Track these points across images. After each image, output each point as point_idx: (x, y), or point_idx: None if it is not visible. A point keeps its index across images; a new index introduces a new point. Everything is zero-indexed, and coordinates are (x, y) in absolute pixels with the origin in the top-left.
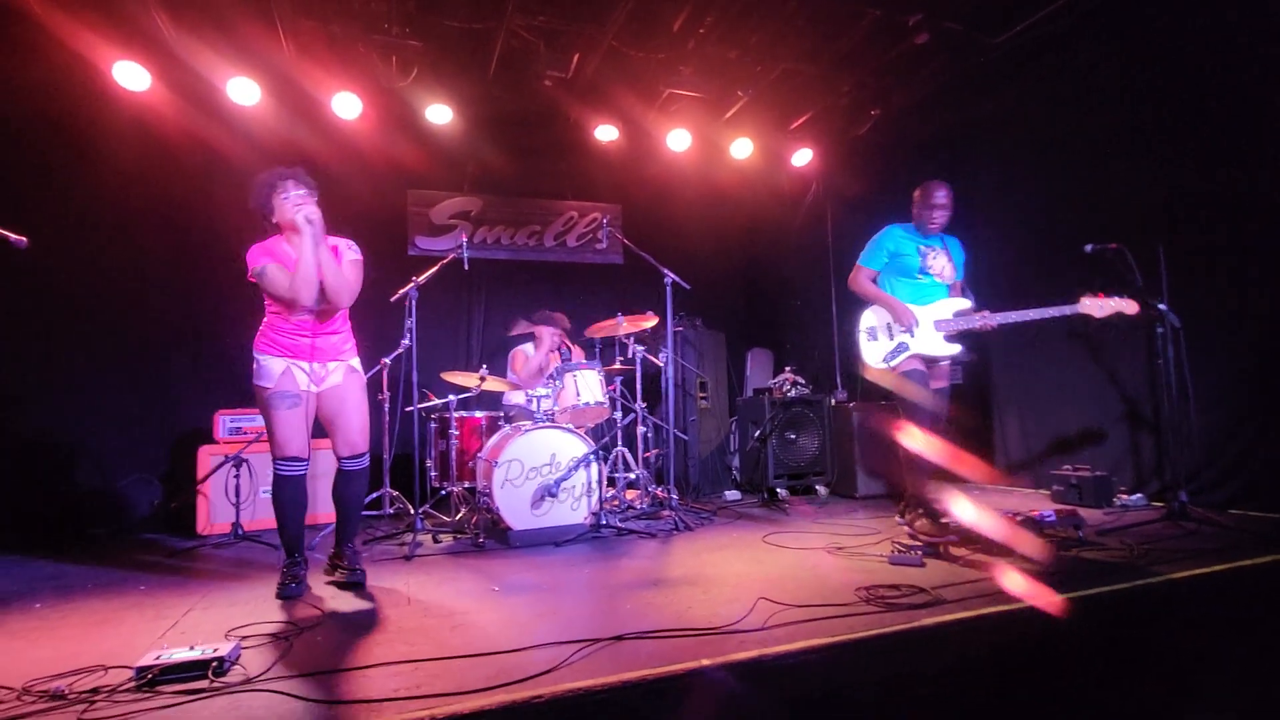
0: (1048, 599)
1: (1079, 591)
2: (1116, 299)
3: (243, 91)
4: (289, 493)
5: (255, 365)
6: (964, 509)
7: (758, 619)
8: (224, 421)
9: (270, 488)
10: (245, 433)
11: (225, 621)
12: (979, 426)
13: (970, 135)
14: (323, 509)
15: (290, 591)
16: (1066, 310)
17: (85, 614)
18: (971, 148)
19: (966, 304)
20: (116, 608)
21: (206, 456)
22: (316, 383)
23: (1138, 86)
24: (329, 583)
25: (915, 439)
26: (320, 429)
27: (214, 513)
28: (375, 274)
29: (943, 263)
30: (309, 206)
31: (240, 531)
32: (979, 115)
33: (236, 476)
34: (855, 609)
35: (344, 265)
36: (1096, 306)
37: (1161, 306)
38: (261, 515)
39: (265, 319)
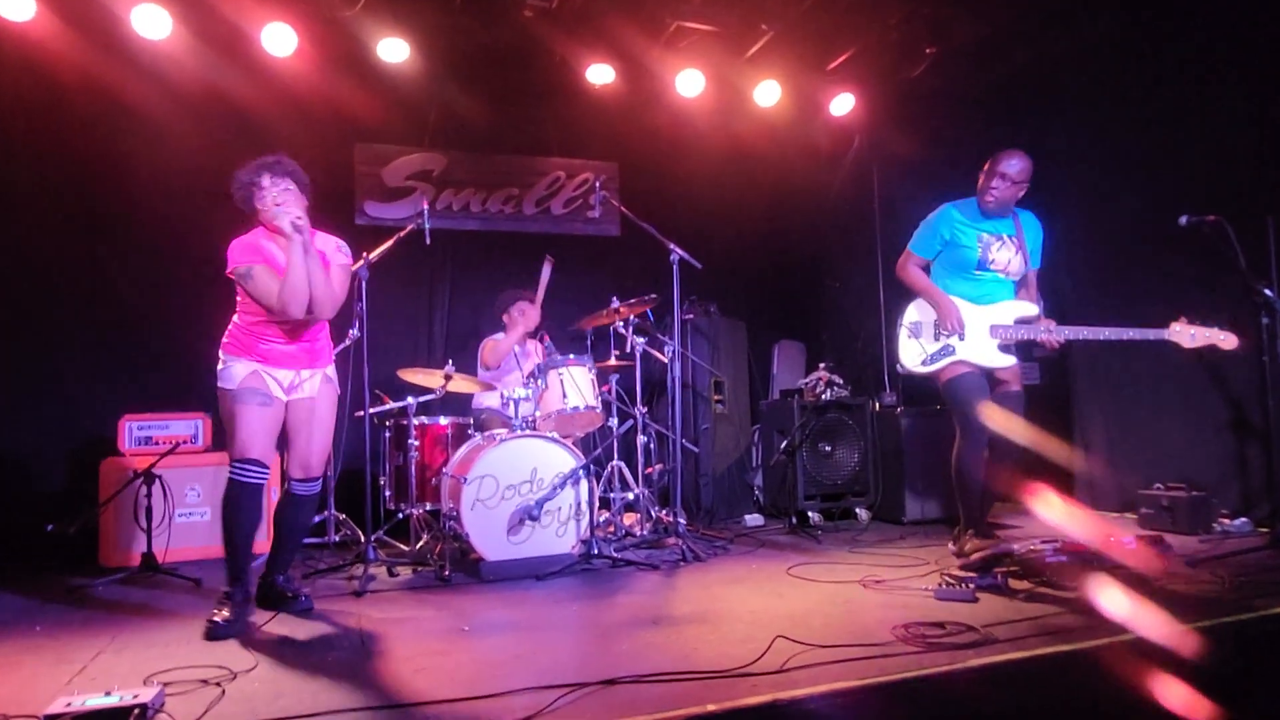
0: (1116, 637)
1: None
2: (1214, 329)
3: (150, 22)
4: (245, 504)
5: (220, 367)
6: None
7: (775, 660)
8: (131, 429)
9: (197, 510)
10: (157, 443)
11: (142, 666)
12: (1057, 438)
13: (1049, 79)
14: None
15: (223, 630)
16: (1150, 335)
17: None
18: (1050, 95)
19: (1032, 309)
20: (10, 651)
21: (110, 472)
22: (288, 391)
23: (1251, 19)
24: (263, 620)
25: (967, 453)
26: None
27: (120, 540)
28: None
29: (1009, 255)
30: (294, 210)
31: (152, 563)
32: (1060, 54)
33: (148, 496)
34: (889, 649)
35: (332, 272)
36: (1187, 335)
37: (1268, 292)
38: (178, 543)
39: (236, 319)
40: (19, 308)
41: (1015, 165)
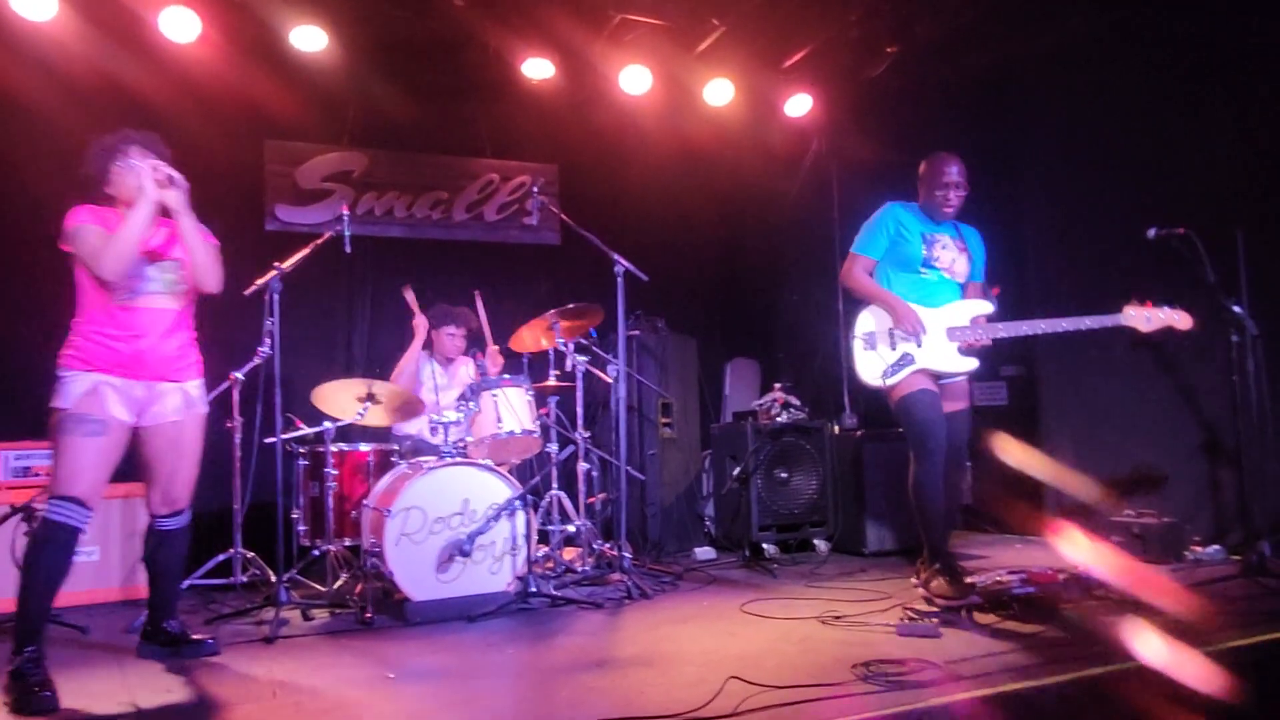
0: (1082, 671)
1: (1109, 666)
2: (1166, 310)
3: (33, 2)
4: (53, 549)
5: (58, 382)
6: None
7: (727, 703)
8: (7, 459)
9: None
10: (37, 474)
11: None
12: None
13: (1016, 82)
14: (144, 578)
15: (43, 704)
16: (1107, 321)
17: None
18: (1014, 99)
19: (988, 307)
20: None
21: None
22: (137, 411)
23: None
24: (160, 669)
25: (925, 478)
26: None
27: None
28: (221, 256)
29: (953, 255)
30: (157, 161)
31: None
32: (1027, 56)
33: (27, 534)
34: (849, 688)
35: (208, 249)
36: (1143, 318)
37: (1236, 309)
38: (65, 586)
39: (76, 316)
40: None
41: (957, 169)
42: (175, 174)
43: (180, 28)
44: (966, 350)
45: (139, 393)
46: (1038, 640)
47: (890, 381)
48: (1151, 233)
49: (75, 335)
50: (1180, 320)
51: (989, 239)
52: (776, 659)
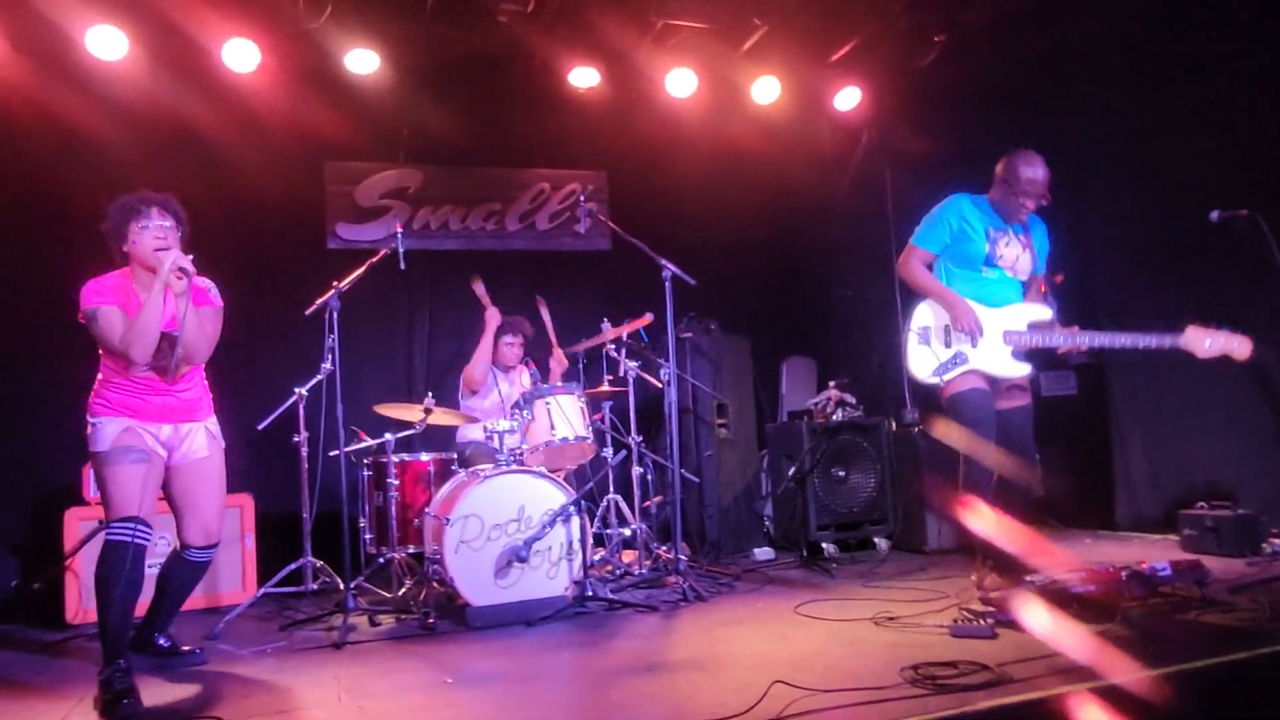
0: (1135, 674)
1: (1179, 665)
2: (1226, 335)
3: (106, 43)
4: (129, 568)
5: (90, 430)
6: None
7: (772, 707)
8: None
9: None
10: None
11: None
12: (1096, 453)
13: (1071, 66)
14: (226, 587)
15: (128, 711)
16: (1167, 341)
17: None
18: (1070, 83)
19: (1046, 313)
20: None
21: (75, 522)
22: (169, 449)
23: None
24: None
25: (972, 478)
26: None
27: (87, 595)
28: (286, 276)
29: (1016, 252)
30: (177, 251)
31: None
32: (1080, 39)
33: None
34: (894, 692)
35: (203, 315)
36: (1202, 344)
37: None
38: (147, 595)
39: (100, 375)
40: None
41: (1044, 174)
42: (187, 264)
43: (241, 59)
44: (1019, 354)
45: (167, 434)
46: (1098, 640)
47: (943, 379)
48: (1215, 215)
49: (102, 388)
50: (1239, 349)
51: (1048, 230)
52: (825, 662)
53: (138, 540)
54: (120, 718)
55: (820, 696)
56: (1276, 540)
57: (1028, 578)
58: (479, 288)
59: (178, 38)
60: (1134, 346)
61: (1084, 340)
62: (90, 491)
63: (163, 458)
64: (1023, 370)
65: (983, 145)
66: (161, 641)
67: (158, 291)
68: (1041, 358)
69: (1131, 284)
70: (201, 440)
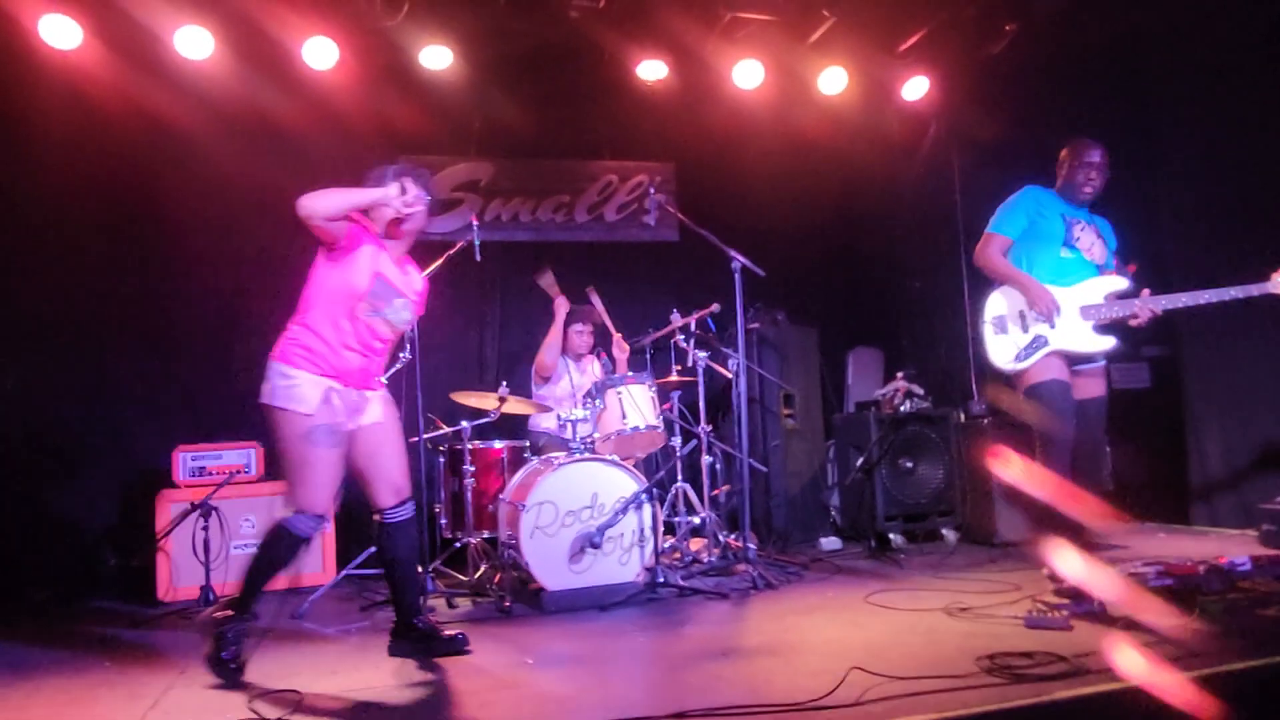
0: (1219, 667)
1: (1259, 660)
2: None
3: (193, 43)
4: (290, 553)
5: (280, 383)
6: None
7: (850, 693)
8: (184, 460)
9: (253, 542)
10: (210, 473)
11: (213, 699)
12: (1171, 446)
13: (1143, 53)
14: (305, 568)
15: (230, 672)
16: (1254, 290)
17: (50, 694)
18: (1150, 68)
19: (1122, 283)
20: (84, 686)
21: (166, 504)
22: (352, 416)
23: None
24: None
25: (1050, 471)
26: None
27: (178, 574)
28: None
29: (1091, 239)
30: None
31: (211, 596)
32: (1153, 24)
33: (205, 529)
34: (973, 680)
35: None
36: None
37: None
38: (236, 576)
39: (300, 319)
40: (68, 340)
41: (1099, 153)
42: (420, 208)
43: (321, 56)
44: (1100, 328)
45: (354, 399)
46: (1175, 633)
47: (1023, 365)
48: None
49: (304, 336)
50: None
51: (1121, 221)
52: (900, 650)
53: (311, 534)
54: (222, 675)
55: (898, 684)
56: None
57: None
58: (547, 279)
59: (260, 37)
60: (1219, 300)
61: (1163, 303)
62: (180, 475)
63: (346, 433)
64: (1107, 344)
65: (1053, 132)
66: (421, 623)
67: (379, 193)
68: (1123, 331)
69: (1206, 273)
70: (378, 406)
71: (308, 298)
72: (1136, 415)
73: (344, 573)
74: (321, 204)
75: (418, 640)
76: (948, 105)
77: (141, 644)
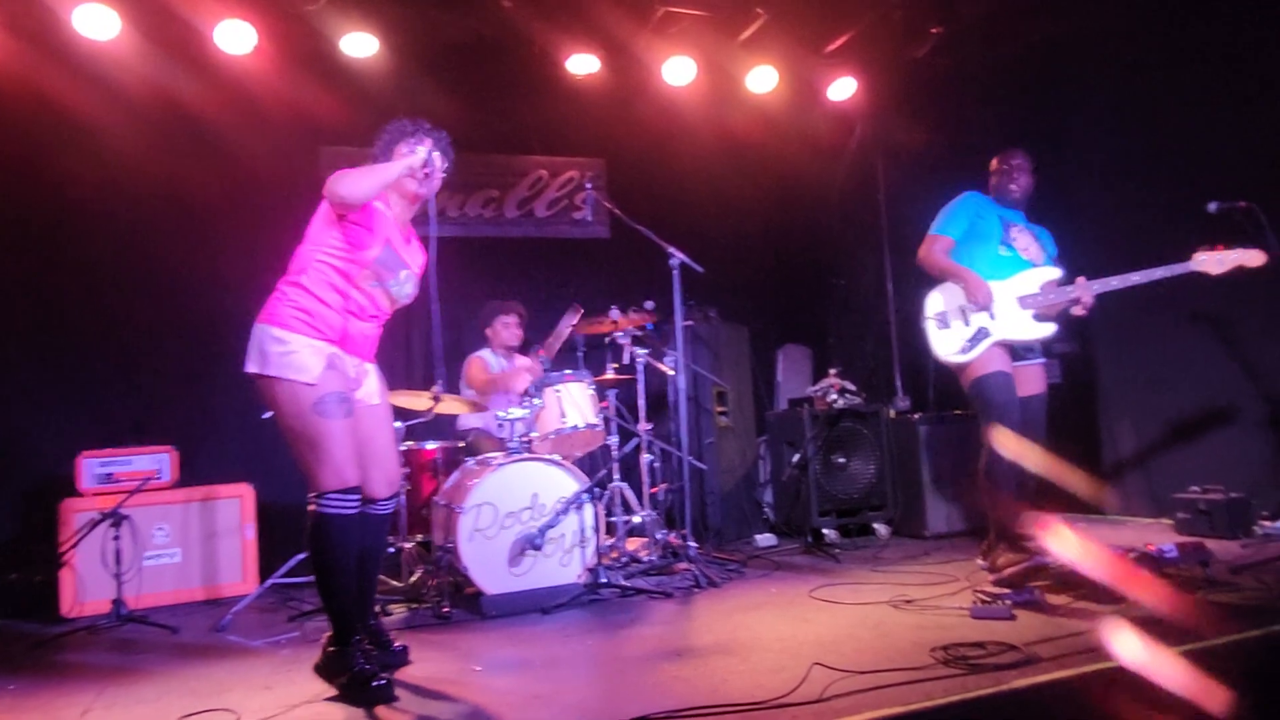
0: (1164, 653)
1: (1201, 643)
2: (1239, 250)
3: (95, 22)
4: (354, 539)
5: (274, 349)
6: (1064, 543)
7: (813, 689)
8: (90, 467)
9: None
10: (118, 480)
11: None
12: (1083, 439)
13: (1064, 58)
14: (226, 578)
15: (386, 694)
16: (1178, 269)
17: None
18: (1067, 76)
19: (1056, 272)
20: None
21: (70, 514)
22: (355, 388)
23: None
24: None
25: (999, 452)
26: None
27: (84, 588)
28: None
29: (1027, 241)
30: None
31: (124, 610)
32: (1074, 31)
33: (116, 539)
34: (931, 672)
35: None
36: (1215, 261)
37: None
38: (150, 588)
39: (294, 279)
40: None
41: (1020, 157)
42: (435, 172)
43: (236, 40)
44: (1040, 316)
45: (353, 370)
46: (1115, 619)
47: (968, 357)
48: (1213, 207)
49: (300, 297)
50: (1252, 258)
51: (1046, 224)
52: (854, 644)
53: (357, 510)
54: (377, 701)
55: (859, 678)
56: (1266, 522)
57: (1038, 558)
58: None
59: (170, 18)
60: (1146, 280)
61: (1096, 287)
62: (85, 482)
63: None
64: (1046, 330)
65: (976, 137)
66: (373, 623)
67: (399, 167)
68: (1061, 317)
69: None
70: (375, 383)
71: (305, 256)
72: (1050, 409)
73: (269, 582)
74: (358, 190)
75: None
76: (873, 107)
77: (50, 666)
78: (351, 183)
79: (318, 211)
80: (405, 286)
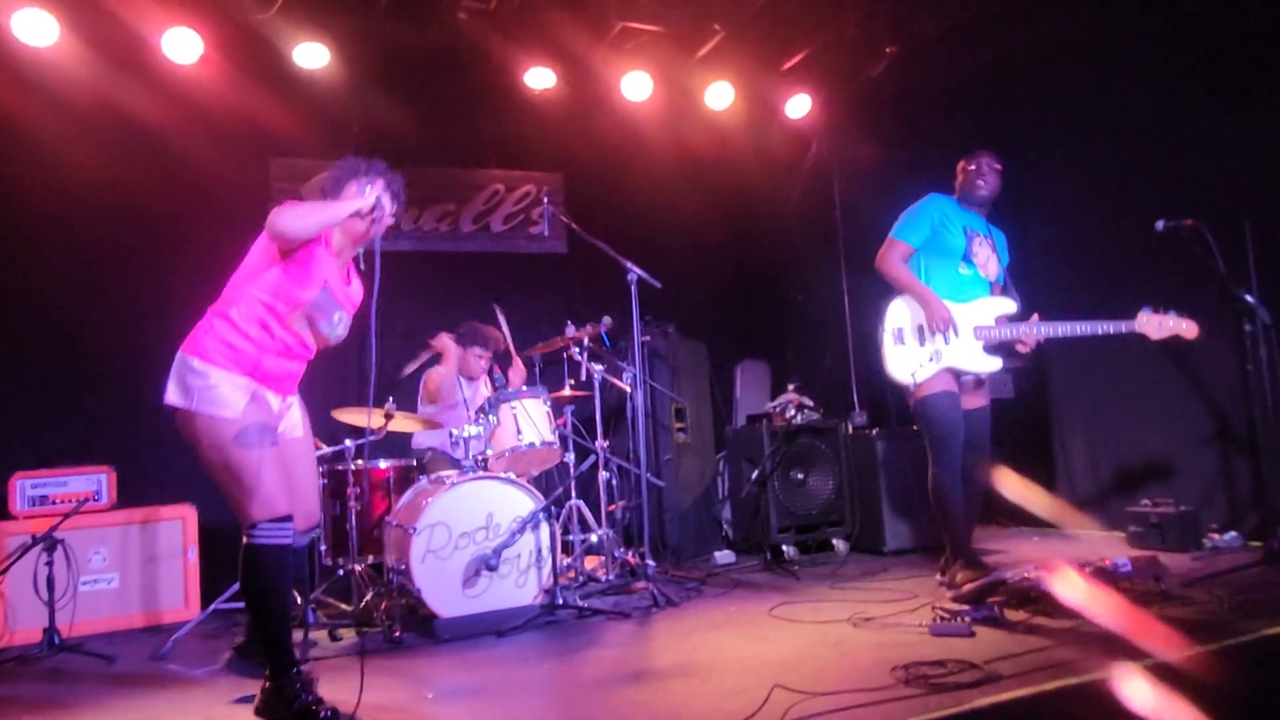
0: (1122, 668)
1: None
2: (1175, 319)
3: (34, 27)
4: (286, 569)
5: (195, 383)
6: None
7: (774, 711)
8: (23, 488)
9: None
10: (53, 502)
11: None
12: (1038, 453)
13: (1015, 77)
14: (167, 604)
15: (330, 713)
16: (1122, 327)
17: None
18: (1017, 94)
19: (1011, 306)
20: None
21: (2, 538)
22: (278, 420)
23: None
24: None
25: (944, 479)
26: None
27: (14, 615)
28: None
29: (987, 253)
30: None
31: (57, 639)
32: (1028, 51)
33: (49, 564)
34: (893, 692)
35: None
36: (1154, 326)
37: (1249, 299)
38: (85, 615)
39: (224, 310)
40: None
41: (989, 157)
42: (384, 215)
43: (182, 49)
44: (990, 349)
45: (277, 406)
46: (1073, 635)
47: (918, 380)
48: (1160, 225)
49: (226, 330)
50: (1188, 330)
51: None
52: (815, 664)
53: (289, 540)
54: None
55: (820, 700)
56: (1215, 535)
57: (997, 574)
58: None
59: (113, 24)
60: (1092, 334)
61: (1046, 330)
62: (18, 505)
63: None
64: (994, 365)
65: (929, 154)
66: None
67: (349, 207)
68: (1007, 352)
69: (1074, 290)
70: (298, 416)
71: (238, 288)
72: (1003, 424)
73: (212, 608)
74: (300, 227)
75: (260, 665)
76: (829, 124)
77: None
78: (294, 219)
79: (258, 241)
80: (338, 329)
